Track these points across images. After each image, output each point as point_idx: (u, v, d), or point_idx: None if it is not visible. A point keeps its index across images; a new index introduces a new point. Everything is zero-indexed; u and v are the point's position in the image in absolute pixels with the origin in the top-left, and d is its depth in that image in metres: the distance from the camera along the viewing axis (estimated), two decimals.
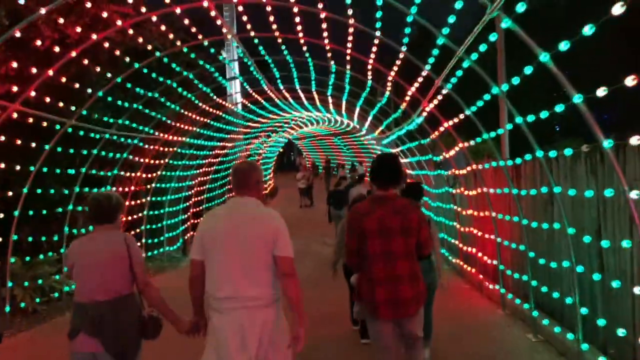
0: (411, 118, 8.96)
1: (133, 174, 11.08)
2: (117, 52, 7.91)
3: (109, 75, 7.77)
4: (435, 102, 7.57)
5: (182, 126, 12.24)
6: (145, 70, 8.64)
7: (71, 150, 8.34)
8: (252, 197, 3.43)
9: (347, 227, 3.98)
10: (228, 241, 3.24)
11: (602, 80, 3.89)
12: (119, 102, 8.64)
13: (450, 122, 7.46)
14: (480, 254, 8.60)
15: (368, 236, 3.79)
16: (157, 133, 10.80)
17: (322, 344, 6.51)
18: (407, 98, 8.56)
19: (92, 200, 3.60)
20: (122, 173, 10.46)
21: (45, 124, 7.28)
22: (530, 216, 6.64)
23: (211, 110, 12.74)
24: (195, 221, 16.39)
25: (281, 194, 30.14)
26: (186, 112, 11.49)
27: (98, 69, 8.41)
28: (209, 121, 13.36)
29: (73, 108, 7.49)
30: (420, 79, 7.55)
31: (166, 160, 12.46)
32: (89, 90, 7.77)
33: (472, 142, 7.39)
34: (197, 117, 12.80)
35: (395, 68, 7.94)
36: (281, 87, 12.88)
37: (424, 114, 8.13)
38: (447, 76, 6.65)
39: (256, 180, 3.47)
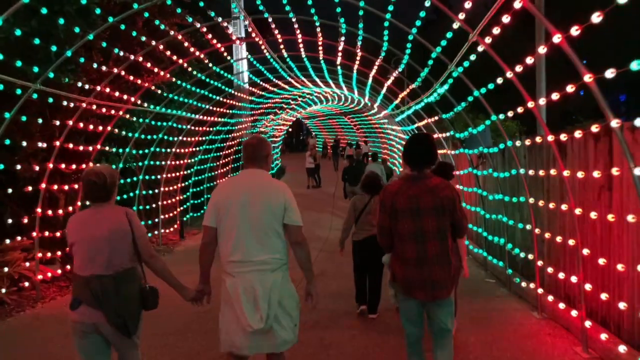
0: (433, 87, 7.76)
1: (121, 150, 10.00)
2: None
3: (76, 30, 6.57)
4: (461, 68, 6.37)
5: (176, 98, 11.13)
6: (122, 27, 7.52)
7: (39, 121, 7.25)
8: (262, 169, 3.66)
9: (379, 205, 3.93)
10: (240, 209, 3.44)
11: None
12: (95, 65, 7.48)
13: (481, 91, 6.27)
14: (510, 246, 7.47)
15: (400, 215, 3.75)
16: (146, 104, 9.67)
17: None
18: (431, 61, 7.33)
19: (85, 179, 3.53)
20: (107, 148, 9.38)
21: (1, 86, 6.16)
22: (579, 204, 5.49)
23: (209, 80, 11.60)
24: (196, 201, 15.42)
25: (289, 174, 29.03)
26: (178, 81, 10.34)
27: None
28: (206, 93, 12.21)
29: (36, 69, 6.37)
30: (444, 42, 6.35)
31: (159, 136, 11.37)
32: (54, 49, 6.62)
33: (501, 116, 6.18)
34: (194, 88, 11.68)
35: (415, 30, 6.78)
36: (292, 65, 11.87)
37: (449, 81, 6.92)
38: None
39: (266, 154, 3.69)
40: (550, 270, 6.10)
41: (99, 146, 8.85)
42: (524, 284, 6.89)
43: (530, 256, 6.51)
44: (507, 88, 5.44)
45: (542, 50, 4.69)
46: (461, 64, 6.20)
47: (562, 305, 5.79)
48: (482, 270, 8.77)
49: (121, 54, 7.75)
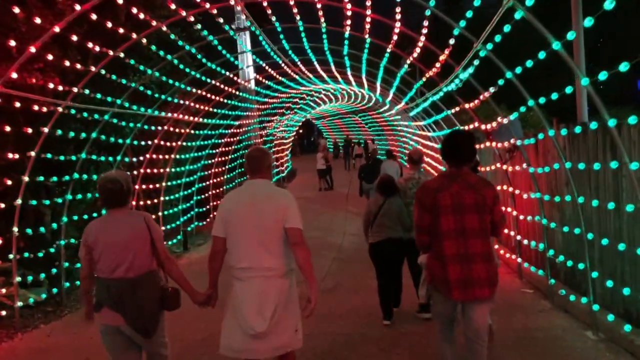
0: (454, 73, 6.77)
1: (112, 159, 9.14)
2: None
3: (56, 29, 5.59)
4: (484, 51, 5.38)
5: (176, 101, 10.26)
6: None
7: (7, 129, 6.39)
8: (265, 179, 3.80)
9: (417, 204, 3.84)
10: (246, 218, 3.59)
11: None
12: (66, 63, 6.59)
13: (516, 71, 5.29)
14: (552, 252, 6.45)
15: (442, 212, 3.68)
16: (135, 107, 8.79)
17: None
18: (450, 47, 6.35)
19: (101, 187, 3.65)
20: (94, 157, 8.53)
21: None
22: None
23: (204, 78, 10.72)
24: (200, 209, 14.57)
25: (300, 176, 28.08)
26: (170, 80, 9.45)
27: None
28: (206, 94, 11.33)
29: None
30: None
31: (156, 141, 10.51)
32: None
33: (541, 100, 5.19)
34: (196, 91, 10.82)
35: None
36: (295, 59, 11.03)
37: (474, 64, 5.92)
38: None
39: (267, 165, 3.84)
40: (609, 283, 5.06)
41: (84, 155, 7.99)
42: (572, 297, 5.86)
43: (581, 265, 5.48)
44: (531, 76, 4.85)
45: (588, 22, 3.79)
46: (490, 40, 5.22)
47: (627, 328, 4.76)
48: (517, 278, 7.74)
49: (102, 51, 6.85)
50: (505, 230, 8.42)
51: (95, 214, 9.06)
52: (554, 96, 4.64)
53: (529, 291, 7.10)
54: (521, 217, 7.46)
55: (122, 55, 7.14)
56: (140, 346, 3.72)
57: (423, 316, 6.02)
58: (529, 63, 4.75)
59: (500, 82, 5.74)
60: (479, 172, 5.54)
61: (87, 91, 7.17)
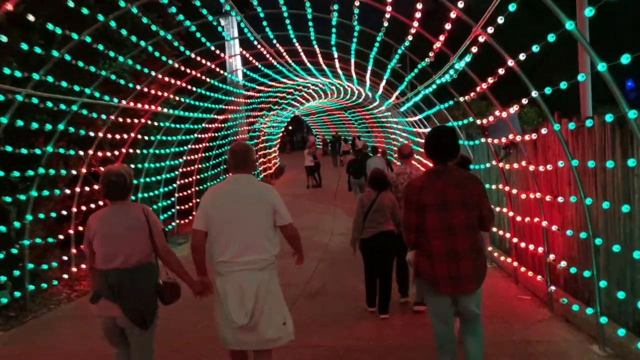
0: (449, 63, 6.27)
1: (83, 152, 8.54)
2: None
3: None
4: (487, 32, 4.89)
5: (149, 91, 9.66)
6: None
7: None
8: (249, 173, 3.86)
9: (404, 201, 3.84)
10: (227, 213, 3.67)
11: None
12: (24, 46, 5.95)
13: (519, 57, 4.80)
14: (552, 257, 5.99)
15: (427, 210, 3.67)
16: (107, 98, 8.19)
17: None
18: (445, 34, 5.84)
19: (105, 179, 3.69)
20: (62, 151, 7.91)
21: None
22: None
23: (190, 71, 10.14)
24: (182, 207, 13.98)
25: (288, 173, 27.51)
26: (150, 71, 8.85)
27: None
28: (187, 85, 10.74)
29: None
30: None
31: (132, 135, 9.91)
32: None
33: (547, 90, 4.71)
34: (172, 80, 10.22)
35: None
36: (280, 48, 10.50)
37: (472, 51, 5.41)
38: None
39: (251, 160, 3.91)
40: (621, 295, 4.58)
41: (50, 148, 7.39)
42: (576, 307, 5.39)
43: (587, 273, 5.01)
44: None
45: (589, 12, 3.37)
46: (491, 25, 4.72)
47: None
48: (512, 283, 7.28)
49: (67, 34, 6.24)
50: (501, 232, 7.97)
51: (64, 212, 8.52)
52: (563, 85, 4.15)
53: (526, 297, 6.65)
54: (518, 218, 6.99)
55: (89, 40, 6.54)
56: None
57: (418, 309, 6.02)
58: (536, 48, 4.25)
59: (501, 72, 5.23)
60: (470, 170, 5.15)
61: (50, 78, 6.57)
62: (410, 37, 6.80)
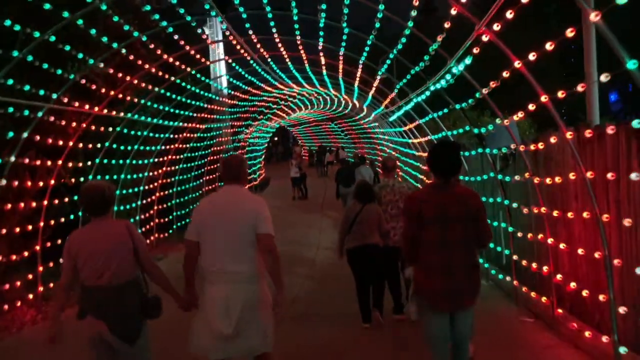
0: (447, 65, 5.81)
1: (51, 162, 7.93)
2: None
3: None
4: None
5: (124, 97, 9.09)
6: None
7: None
8: (241, 185, 3.96)
9: (405, 214, 3.91)
10: (217, 223, 3.72)
11: None
12: None
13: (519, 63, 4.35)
14: (559, 276, 5.53)
15: (426, 223, 3.68)
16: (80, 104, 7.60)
17: None
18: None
19: (83, 194, 3.74)
20: (27, 161, 7.29)
21: None
22: None
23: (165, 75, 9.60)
24: (161, 221, 13.34)
25: (273, 185, 26.89)
26: (126, 76, 8.28)
27: None
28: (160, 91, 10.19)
29: None
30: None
31: (105, 145, 9.32)
32: None
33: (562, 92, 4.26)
34: (150, 87, 9.66)
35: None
36: (264, 54, 10.04)
37: (473, 52, 4.96)
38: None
39: (244, 172, 4.01)
40: None
41: (13, 157, 6.78)
42: (587, 333, 4.92)
43: (602, 297, 4.54)
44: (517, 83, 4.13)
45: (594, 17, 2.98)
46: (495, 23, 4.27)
47: None
48: (512, 304, 6.78)
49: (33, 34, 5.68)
50: (499, 248, 7.52)
51: (30, 227, 7.88)
52: (579, 89, 3.72)
53: (529, 320, 6.16)
54: (519, 234, 6.54)
55: (54, 39, 5.99)
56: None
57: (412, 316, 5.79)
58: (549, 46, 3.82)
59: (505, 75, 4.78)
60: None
61: (10, 81, 5.99)
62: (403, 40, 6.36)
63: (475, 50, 4.69)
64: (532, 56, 3.96)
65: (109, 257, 3.58)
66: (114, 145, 9.83)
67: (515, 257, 6.72)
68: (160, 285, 3.82)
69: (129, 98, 9.10)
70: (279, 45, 8.84)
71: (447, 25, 4.88)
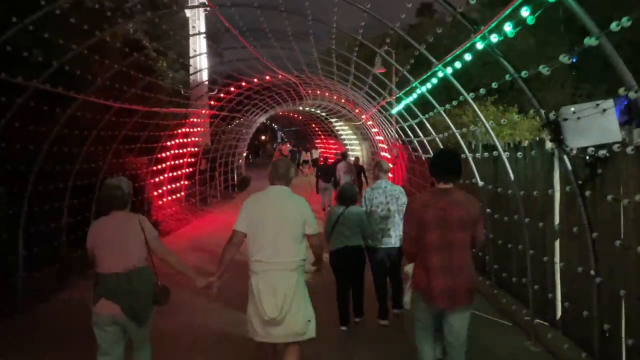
0: (471, 39, 4.80)
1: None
2: None
3: None
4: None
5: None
6: None
7: None
8: (287, 186, 4.35)
9: (406, 216, 4.13)
10: (265, 218, 4.12)
11: None
12: None
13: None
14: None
15: (428, 227, 3.87)
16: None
17: None
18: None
19: (105, 192, 4.11)
20: None
21: None
22: None
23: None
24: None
25: (255, 185, 25.63)
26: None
27: None
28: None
29: None
30: None
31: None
32: None
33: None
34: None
35: None
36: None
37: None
38: None
39: (290, 175, 4.40)
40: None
41: None
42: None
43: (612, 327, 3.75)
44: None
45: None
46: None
47: None
48: (522, 337, 5.61)
49: None
50: (495, 266, 6.78)
51: None
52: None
53: (537, 350, 5.26)
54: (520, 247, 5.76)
55: None
56: (125, 342, 4.10)
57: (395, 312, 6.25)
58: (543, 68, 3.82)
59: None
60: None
61: None
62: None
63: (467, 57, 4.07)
64: (524, 73, 3.17)
65: (122, 247, 3.96)
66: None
67: (515, 279, 5.93)
68: (178, 269, 4.22)
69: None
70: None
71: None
